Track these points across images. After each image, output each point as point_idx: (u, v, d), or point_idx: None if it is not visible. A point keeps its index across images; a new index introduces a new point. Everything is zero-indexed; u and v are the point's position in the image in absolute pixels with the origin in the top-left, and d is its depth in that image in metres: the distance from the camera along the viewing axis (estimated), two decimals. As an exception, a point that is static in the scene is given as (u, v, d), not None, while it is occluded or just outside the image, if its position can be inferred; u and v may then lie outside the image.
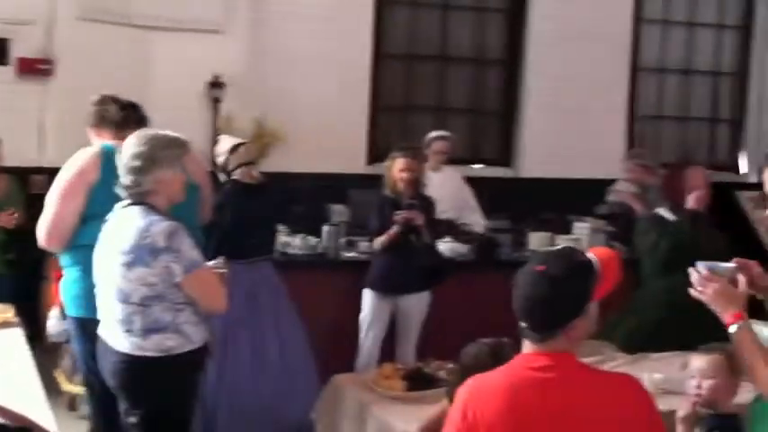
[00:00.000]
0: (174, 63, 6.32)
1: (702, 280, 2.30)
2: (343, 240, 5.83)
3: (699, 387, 2.92)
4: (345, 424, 3.40)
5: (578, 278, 2.08)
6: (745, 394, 2.96)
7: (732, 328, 2.23)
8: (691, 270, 2.35)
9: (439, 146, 6.17)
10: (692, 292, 2.33)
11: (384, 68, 7.24)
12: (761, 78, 8.04)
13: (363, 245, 5.81)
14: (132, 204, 3.11)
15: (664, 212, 4.46)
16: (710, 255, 4.15)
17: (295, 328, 4.81)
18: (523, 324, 2.10)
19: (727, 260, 2.37)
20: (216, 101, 6.42)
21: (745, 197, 6.88)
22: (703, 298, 2.30)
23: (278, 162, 6.52)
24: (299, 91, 6.73)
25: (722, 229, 4.47)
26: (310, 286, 5.37)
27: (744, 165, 8.12)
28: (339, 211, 6.56)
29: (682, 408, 2.91)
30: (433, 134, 6.29)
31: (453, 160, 6.67)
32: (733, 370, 2.87)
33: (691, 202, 4.32)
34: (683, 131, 8.14)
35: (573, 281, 2.07)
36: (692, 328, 4.08)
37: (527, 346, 2.13)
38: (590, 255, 2.16)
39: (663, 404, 2.96)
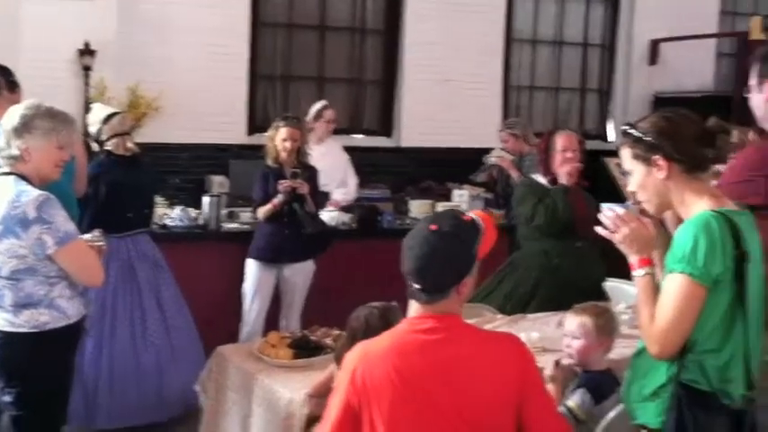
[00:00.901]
0: (43, 29, 6.03)
1: (618, 220, 2.32)
2: (224, 211, 5.76)
3: (568, 347, 3.06)
4: (231, 394, 3.37)
5: (468, 235, 2.15)
6: (622, 350, 3.13)
7: (639, 272, 2.29)
8: (602, 208, 2.38)
9: (330, 114, 6.15)
10: (600, 231, 2.37)
11: (263, 37, 7.13)
12: (627, 50, 8.37)
13: (245, 215, 5.76)
14: (5, 174, 2.99)
15: (539, 178, 4.60)
16: (585, 219, 4.36)
17: (176, 300, 4.74)
18: (416, 285, 2.13)
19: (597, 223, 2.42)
20: (87, 69, 6.17)
21: (613, 164, 7.16)
22: (616, 238, 2.33)
23: (154, 133, 6.35)
24: (175, 59, 6.55)
25: (592, 194, 4.65)
26: (192, 258, 5.29)
27: (612, 133, 8.47)
28: (219, 182, 6.47)
29: (549, 366, 3.03)
30: (321, 104, 6.22)
31: (334, 130, 6.67)
32: (600, 330, 3.00)
33: (563, 169, 4.47)
34: (555, 101, 8.40)
35: (464, 238, 2.14)
36: (567, 289, 4.27)
37: (414, 309, 2.18)
38: (472, 215, 2.23)
39: (539, 362, 3.11)
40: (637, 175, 2.34)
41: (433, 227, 2.14)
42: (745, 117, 2.82)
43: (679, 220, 2.31)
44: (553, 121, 8.17)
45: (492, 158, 6.82)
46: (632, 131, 2.34)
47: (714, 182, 2.73)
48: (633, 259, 2.31)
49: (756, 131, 2.78)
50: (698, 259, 2.14)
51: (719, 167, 2.92)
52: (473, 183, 7.34)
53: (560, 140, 4.49)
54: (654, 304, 2.23)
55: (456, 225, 2.16)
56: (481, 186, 7.22)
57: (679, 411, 2.18)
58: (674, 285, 2.17)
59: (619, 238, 2.32)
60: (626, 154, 2.37)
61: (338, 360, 2.65)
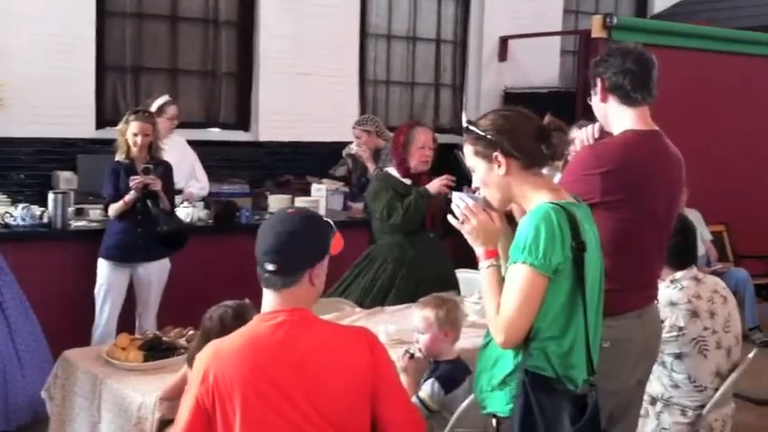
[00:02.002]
0: None
1: (467, 211, 2.37)
2: (71, 209, 5.51)
3: (417, 341, 3.12)
4: (78, 401, 3.24)
5: (323, 224, 2.23)
6: (475, 339, 3.21)
7: (484, 264, 2.35)
8: (453, 198, 2.42)
9: (173, 111, 5.95)
10: (451, 220, 2.41)
11: (111, 27, 6.87)
12: (478, 46, 8.61)
13: (95, 213, 5.55)
14: None
15: (393, 172, 4.66)
16: (436, 213, 4.46)
17: (19, 304, 4.50)
18: (271, 266, 2.13)
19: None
20: None
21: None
22: (464, 229, 2.38)
23: (-5, 126, 6.03)
24: (17, 50, 6.23)
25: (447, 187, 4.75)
26: (37, 259, 5.07)
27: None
28: (67, 179, 6.21)
29: (401, 359, 3.08)
30: (163, 99, 6.01)
31: (187, 124, 6.53)
32: (443, 321, 3.07)
33: (416, 164, 4.55)
34: (411, 96, 8.54)
35: (320, 223, 2.23)
36: (423, 280, 4.37)
37: (267, 302, 2.17)
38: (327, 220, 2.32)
39: (396, 354, 3.16)
40: (479, 171, 2.41)
41: (291, 211, 2.25)
42: (589, 112, 2.96)
43: (524, 213, 2.39)
44: (409, 116, 8.31)
45: (353, 148, 6.86)
46: (473, 129, 2.40)
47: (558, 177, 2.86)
48: (479, 251, 2.37)
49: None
50: (539, 250, 2.22)
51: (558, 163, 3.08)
52: (332, 177, 7.36)
53: (420, 136, 4.56)
54: (499, 295, 2.30)
55: (312, 214, 2.28)
56: (340, 180, 7.26)
57: (525, 398, 2.24)
58: (517, 275, 2.25)
59: (467, 229, 2.38)
60: (468, 151, 2.43)
61: (191, 361, 2.60)
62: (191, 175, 6.17)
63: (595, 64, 2.85)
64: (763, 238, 7.57)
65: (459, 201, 2.39)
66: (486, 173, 2.38)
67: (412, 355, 3.10)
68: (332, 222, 2.26)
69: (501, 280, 2.33)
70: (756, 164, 7.94)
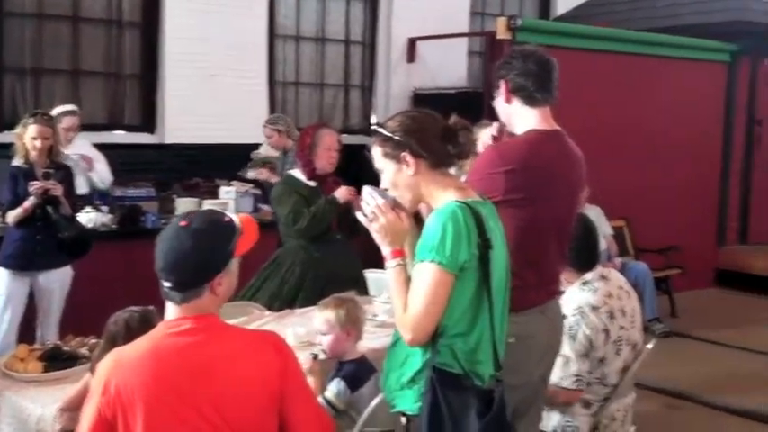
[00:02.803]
0: None
1: (377, 209, 2.38)
2: (-32, 216, 5.31)
3: (320, 342, 3.13)
4: (-24, 414, 3.12)
5: (220, 232, 2.13)
6: (385, 339, 3.23)
7: (391, 264, 2.37)
8: (364, 194, 2.42)
9: (68, 122, 5.77)
10: (360, 217, 2.42)
11: (9, 28, 6.65)
12: (387, 47, 8.67)
13: (-7, 220, 5.35)
14: None
15: (298, 175, 4.64)
16: (342, 216, 4.48)
17: None
18: (167, 283, 2.09)
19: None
20: None
21: (377, 157, 7.41)
22: (373, 228, 2.39)
23: None
24: None
25: (357, 187, 4.77)
26: (-71, 269, 4.85)
27: (375, 128, 8.73)
28: (-39, 185, 5.96)
29: (306, 361, 3.07)
30: (60, 109, 5.82)
31: (91, 127, 6.37)
32: (344, 321, 3.09)
33: (322, 165, 4.55)
34: (320, 97, 8.53)
35: (215, 234, 2.12)
36: (330, 281, 4.37)
37: (170, 311, 2.13)
38: (231, 216, 2.22)
39: (306, 357, 3.16)
40: (388, 172, 2.43)
41: (184, 223, 2.11)
42: (495, 112, 3.02)
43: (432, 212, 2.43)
44: (319, 117, 8.30)
45: (261, 152, 6.81)
46: (381, 130, 2.43)
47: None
48: (386, 251, 2.39)
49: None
50: (446, 248, 2.24)
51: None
52: (242, 179, 7.29)
53: (326, 138, 4.56)
54: (406, 294, 2.32)
55: (209, 222, 2.14)
56: (250, 182, 7.20)
57: (433, 395, 2.27)
58: (424, 274, 2.27)
59: (375, 227, 2.39)
60: (377, 152, 2.45)
61: (93, 370, 2.53)
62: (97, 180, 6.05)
63: (498, 66, 2.90)
64: (661, 233, 7.86)
65: (368, 198, 2.40)
66: (395, 174, 2.41)
67: (316, 356, 3.11)
68: (236, 221, 2.18)
69: (408, 279, 2.35)
70: (655, 160, 8.24)
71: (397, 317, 2.35)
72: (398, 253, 2.37)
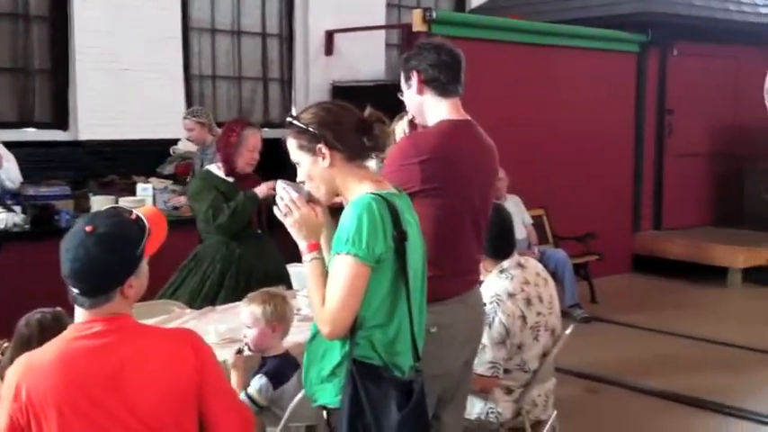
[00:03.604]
0: None
1: (291, 203, 2.37)
2: None
3: (245, 337, 3.10)
4: None
5: (129, 235, 2.07)
6: (307, 333, 3.21)
7: (307, 258, 2.36)
8: (278, 189, 2.40)
9: None
10: (276, 212, 2.40)
11: None
12: (304, 40, 8.61)
13: None
14: None
15: (216, 171, 4.57)
16: (262, 212, 4.43)
17: None
18: (74, 290, 2.03)
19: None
20: None
21: (297, 151, 7.37)
22: (286, 221, 2.39)
23: None
24: None
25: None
26: None
27: (295, 121, 8.67)
28: None
29: (230, 356, 3.07)
30: None
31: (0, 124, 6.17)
32: (270, 316, 3.07)
33: (242, 165, 4.50)
34: (238, 90, 8.43)
35: (123, 238, 2.05)
36: (252, 277, 4.33)
37: (79, 314, 2.07)
38: (137, 212, 2.15)
39: (228, 354, 3.12)
40: (303, 164, 2.42)
41: (89, 228, 2.03)
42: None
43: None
44: (238, 111, 8.20)
45: (180, 147, 6.66)
46: (296, 122, 2.41)
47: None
48: (302, 245, 2.39)
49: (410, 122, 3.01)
50: (362, 240, 2.25)
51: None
52: (160, 175, 7.16)
53: (251, 139, 4.51)
54: (323, 287, 2.31)
55: (115, 224, 2.07)
56: (169, 178, 7.07)
57: (353, 387, 2.27)
58: (341, 266, 2.27)
59: (289, 222, 2.38)
60: (292, 145, 2.44)
61: (3, 374, 2.45)
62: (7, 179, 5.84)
63: (408, 57, 2.92)
64: (578, 221, 8.04)
65: (282, 192, 2.38)
66: (310, 166, 2.40)
67: (240, 351, 3.08)
68: (143, 220, 2.11)
69: (324, 272, 2.34)
70: (571, 150, 8.42)
71: (315, 311, 2.35)
72: (314, 246, 2.37)
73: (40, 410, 1.97)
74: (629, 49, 9.00)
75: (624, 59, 8.97)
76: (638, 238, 9.24)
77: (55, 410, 1.96)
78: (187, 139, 6.87)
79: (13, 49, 6.97)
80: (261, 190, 4.45)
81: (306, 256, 2.37)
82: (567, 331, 3.73)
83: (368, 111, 2.46)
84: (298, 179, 2.46)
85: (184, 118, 6.67)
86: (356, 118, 2.42)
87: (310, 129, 2.38)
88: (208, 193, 4.44)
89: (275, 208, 2.41)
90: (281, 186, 2.40)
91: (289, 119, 2.46)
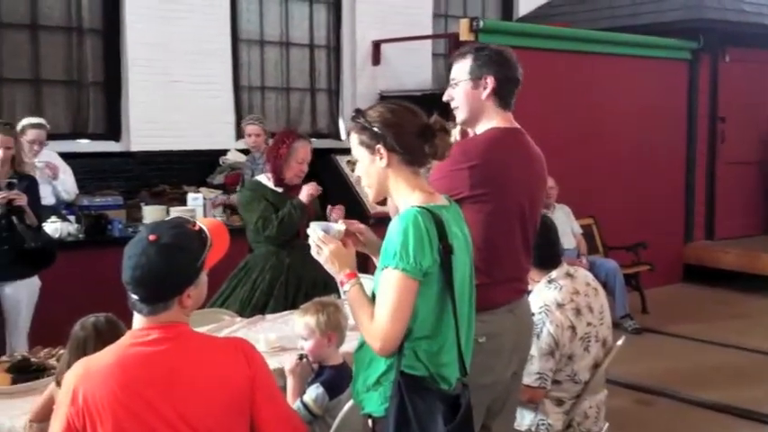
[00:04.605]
0: None
1: (320, 242, 2.41)
2: (-71, 229, 5.21)
3: (302, 348, 3.11)
4: (-57, 429, 3.07)
5: (190, 246, 2.10)
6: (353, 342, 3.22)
7: (346, 287, 2.37)
8: (309, 231, 2.44)
9: (34, 135, 5.63)
10: (312, 252, 2.44)
11: (-34, 37, 6.56)
12: (351, 51, 8.66)
13: (-45, 232, 5.26)
14: None
15: (266, 181, 4.62)
16: (310, 220, 4.47)
17: None
18: (134, 296, 2.07)
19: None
20: None
21: (344, 161, 7.41)
22: (320, 259, 2.42)
23: None
24: None
25: (325, 190, 4.77)
26: None
27: (343, 131, 8.74)
28: None
29: (287, 362, 3.08)
30: (27, 121, 5.69)
31: (54, 135, 6.29)
32: (324, 326, 3.07)
33: (291, 177, 4.54)
34: (287, 101, 8.50)
35: (184, 249, 2.08)
36: (301, 286, 4.36)
37: (137, 320, 2.11)
38: (200, 224, 2.18)
39: (278, 362, 3.14)
40: (362, 160, 2.45)
41: (153, 237, 2.07)
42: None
43: (397, 210, 2.43)
44: (286, 121, 8.27)
45: (229, 157, 6.71)
46: (360, 119, 2.43)
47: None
48: (338, 278, 2.40)
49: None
50: (409, 254, 2.24)
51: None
52: (210, 185, 7.25)
53: (300, 151, 4.56)
54: (369, 306, 2.32)
55: (177, 235, 2.09)
56: (219, 189, 7.16)
57: (400, 398, 2.27)
58: (389, 281, 2.27)
59: (322, 259, 2.42)
60: (354, 139, 2.46)
61: (59, 380, 2.49)
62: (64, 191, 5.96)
63: (484, 59, 2.84)
64: (629, 230, 7.94)
65: (311, 233, 2.44)
66: (368, 164, 2.42)
67: (302, 357, 3.09)
68: (205, 232, 2.14)
69: (366, 294, 2.36)
70: (622, 158, 8.33)
71: (364, 329, 2.33)
72: (350, 275, 2.38)
73: (96, 414, 2.00)
74: (681, 57, 8.88)
75: (675, 67, 8.85)
76: (690, 247, 9.09)
77: (110, 415, 1.99)
78: (249, 146, 6.87)
79: (68, 62, 7.12)
80: (305, 194, 4.49)
81: (345, 287, 2.38)
82: (619, 342, 3.69)
83: (434, 118, 2.44)
84: (355, 173, 2.50)
85: (248, 124, 6.72)
86: (420, 123, 2.41)
87: (373, 127, 2.39)
88: (257, 204, 4.49)
89: (312, 249, 2.45)
90: (311, 228, 2.45)
91: (354, 114, 2.47)
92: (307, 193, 4.51)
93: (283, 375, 3.07)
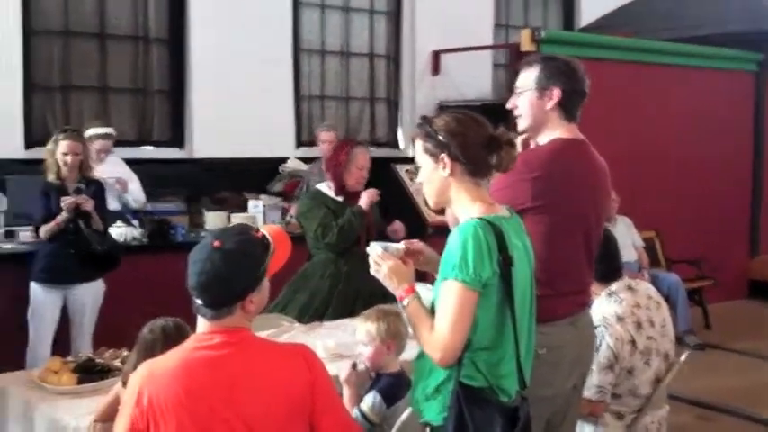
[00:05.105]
0: None
1: (379, 259, 2.43)
2: (1, 231, 5.39)
3: (361, 354, 3.13)
4: (12, 426, 3.16)
5: (253, 253, 2.13)
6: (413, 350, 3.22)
7: (405, 302, 2.38)
8: (368, 250, 2.48)
9: (101, 144, 5.80)
10: (371, 271, 2.47)
11: (37, 46, 6.73)
12: (411, 60, 8.68)
13: (25, 235, 5.42)
14: None
15: (326, 190, 4.65)
16: (369, 228, 4.50)
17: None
18: (198, 301, 2.11)
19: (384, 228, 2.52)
20: None
21: (403, 170, 7.43)
22: (379, 276, 2.44)
23: None
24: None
25: (384, 200, 4.79)
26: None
27: (402, 141, 8.76)
28: (-5, 200, 6.05)
29: (343, 370, 3.09)
30: (94, 131, 5.85)
31: (120, 142, 6.43)
32: (385, 334, 3.08)
33: (352, 183, 4.57)
34: (346, 110, 8.56)
35: (247, 255, 2.12)
36: (359, 294, 4.38)
37: (201, 325, 2.14)
38: (263, 231, 2.22)
39: (336, 368, 3.16)
40: (425, 168, 2.44)
41: (217, 243, 2.11)
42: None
43: (456, 221, 2.43)
44: (345, 131, 8.31)
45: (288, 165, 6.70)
46: (425, 126, 2.43)
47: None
48: (397, 293, 2.41)
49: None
50: (468, 266, 2.24)
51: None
52: (270, 192, 7.33)
53: (360, 157, 4.59)
54: (428, 318, 2.32)
55: (241, 242, 2.13)
56: (278, 196, 7.24)
57: (458, 408, 2.27)
58: (449, 292, 2.27)
59: (381, 276, 2.44)
60: (418, 146, 2.46)
61: (125, 381, 2.55)
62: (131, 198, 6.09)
63: (553, 70, 2.82)
64: (692, 243, 7.78)
65: (370, 251, 2.47)
66: (430, 171, 2.42)
67: (356, 365, 3.10)
68: (269, 239, 2.18)
69: (424, 307, 2.36)
70: (685, 170, 8.17)
71: (424, 341, 2.33)
72: (409, 290, 2.39)
73: (159, 416, 2.03)
74: (747, 68, 8.69)
75: (741, 78, 8.67)
76: (756, 262, 8.87)
77: (174, 417, 2.02)
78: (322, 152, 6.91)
79: (134, 71, 7.27)
80: (364, 200, 4.52)
81: (404, 302, 2.38)
82: (682, 358, 3.62)
83: (500, 130, 2.43)
84: (417, 180, 2.51)
85: (322, 131, 6.75)
86: (486, 134, 2.40)
87: (438, 136, 2.39)
88: (317, 211, 4.53)
89: (372, 267, 2.47)
90: (370, 247, 2.48)
91: (419, 121, 2.47)
92: (367, 199, 4.54)
93: (340, 382, 3.08)
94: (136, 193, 6.17)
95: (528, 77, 2.86)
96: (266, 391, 2.08)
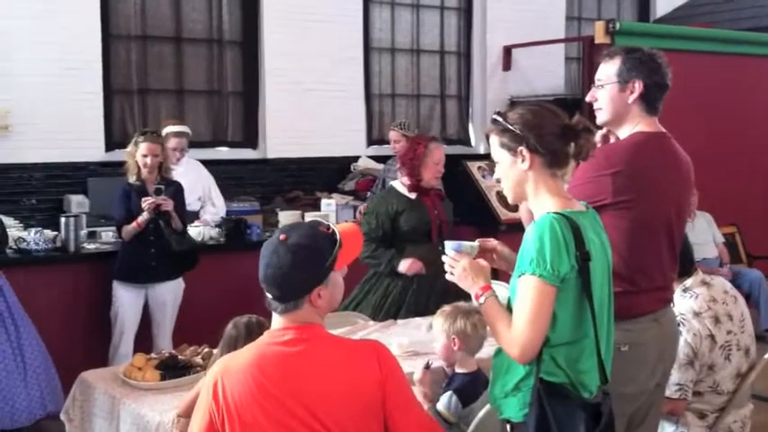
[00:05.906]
0: None
1: (452, 261, 2.42)
2: (84, 232, 5.55)
3: (436, 350, 3.12)
4: (98, 421, 3.26)
5: (317, 246, 2.14)
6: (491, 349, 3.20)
7: (481, 299, 2.36)
8: (443, 253, 2.46)
9: (175, 143, 5.86)
10: (447, 275, 2.45)
11: (116, 50, 6.92)
12: (482, 56, 8.63)
13: (107, 235, 5.58)
14: None
15: (400, 187, 4.66)
16: (442, 225, 4.48)
17: (24, 327, 4.53)
18: (269, 295, 2.14)
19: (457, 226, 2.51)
20: None
21: (475, 167, 7.39)
22: (453, 278, 2.42)
23: (4, 153, 6.08)
24: (23, 76, 6.25)
25: (456, 197, 4.77)
26: (52, 282, 5.11)
27: (473, 137, 8.71)
28: (78, 202, 6.24)
29: (417, 369, 3.07)
30: (169, 129, 5.95)
31: (195, 144, 6.56)
32: (460, 332, 3.04)
33: (429, 178, 4.57)
34: (417, 108, 8.56)
35: (311, 248, 2.13)
36: (433, 292, 4.37)
37: (275, 321, 2.17)
38: (332, 226, 2.24)
39: (410, 366, 3.16)
40: (503, 163, 2.41)
41: (282, 237, 2.14)
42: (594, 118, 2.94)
43: (531, 216, 2.41)
44: (417, 128, 8.30)
45: (360, 164, 6.71)
46: (500, 121, 2.40)
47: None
48: (474, 290, 2.38)
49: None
50: (546, 260, 2.21)
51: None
52: (342, 191, 7.39)
53: (436, 152, 4.59)
54: (505, 315, 2.30)
55: (307, 235, 2.15)
56: (350, 194, 7.28)
57: (539, 405, 2.24)
58: (527, 288, 2.24)
59: (456, 277, 2.42)
60: (494, 142, 2.43)
61: (209, 372, 2.60)
62: (207, 198, 6.18)
63: (633, 62, 2.78)
64: (774, 239, 7.54)
65: (445, 253, 2.46)
66: (509, 166, 2.39)
67: (428, 366, 3.09)
68: (336, 233, 2.18)
69: (501, 304, 2.34)
70: (765, 164, 7.92)
71: (502, 338, 2.30)
72: (485, 288, 2.37)
73: (233, 410, 2.07)
74: (833, 56, 8.36)
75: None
76: (842, 258, 8.54)
77: (247, 411, 2.06)
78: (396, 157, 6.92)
79: (209, 73, 7.41)
80: (406, 267, 4.48)
81: (480, 300, 2.36)
82: (766, 356, 3.52)
83: (576, 117, 2.39)
84: (494, 176, 2.48)
85: (395, 129, 6.72)
86: (562, 123, 2.36)
87: (515, 129, 2.36)
88: (374, 219, 4.55)
89: (446, 267, 2.46)
90: (445, 248, 2.46)
91: (494, 116, 2.44)
92: (407, 266, 4.48)
93: (414, 381, 3.08)
94: (219, 206, 6.24)
95: (609, 70, 2.81)
96: (337, 388, 2.08)
